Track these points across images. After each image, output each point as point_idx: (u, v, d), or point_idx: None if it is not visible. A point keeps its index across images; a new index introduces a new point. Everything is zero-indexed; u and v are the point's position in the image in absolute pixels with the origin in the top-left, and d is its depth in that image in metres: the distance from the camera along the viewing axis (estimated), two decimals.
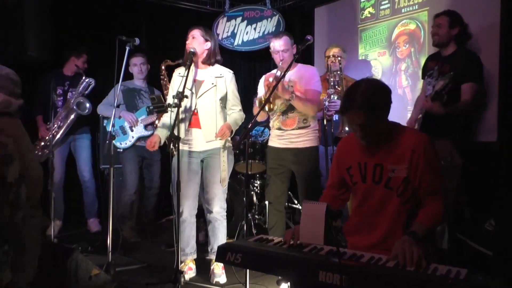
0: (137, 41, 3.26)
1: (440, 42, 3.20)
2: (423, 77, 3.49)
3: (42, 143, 4.19)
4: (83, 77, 4.27)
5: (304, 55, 4.05)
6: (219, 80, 3.15)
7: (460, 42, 3.20)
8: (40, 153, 4.16)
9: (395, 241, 1.78)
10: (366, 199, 2.02)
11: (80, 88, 4.25)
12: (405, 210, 1.94)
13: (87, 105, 4.22)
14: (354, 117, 1.88)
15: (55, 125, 4.20)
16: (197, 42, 3.11)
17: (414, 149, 1.88)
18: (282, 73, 2.91)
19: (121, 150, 4.15)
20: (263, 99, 3.01)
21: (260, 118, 3.07)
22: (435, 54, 3.41)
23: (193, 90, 3.13)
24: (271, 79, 3.04)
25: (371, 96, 1.85)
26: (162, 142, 3.19)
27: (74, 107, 4.18)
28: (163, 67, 3.89)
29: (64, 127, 4.24)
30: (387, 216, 1.95)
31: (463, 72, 2.99)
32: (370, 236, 1.99)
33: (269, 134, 3.48)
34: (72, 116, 4.24)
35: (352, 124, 1.92)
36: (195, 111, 3.13)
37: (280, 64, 3.13)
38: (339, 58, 3.79)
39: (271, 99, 2.94)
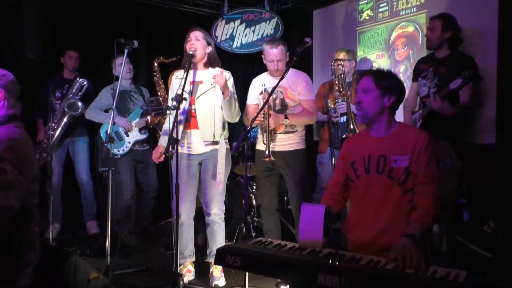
0: (136, 43, 3.25)
1: (433, 45, 3.27)
2: (415, 79, 3.50)
3: (41, 147, 4.18)
4: (77, 79, 4.25)
5: (303, 58, 4.06)
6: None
7: (453, 46, 3.25)
8: (38, 157, 4.15)
9: (396, 233, 1.82)
10: (368, 190, 2.07)
11: (74, 90, 4.21)
12: (406, 201, 1.99)
13: (79, 104, 4.16)
14: (363, 82, 2.08)
15: (51, 129, 4.18)
16: (201, 44, 3.10)
17: (418, 141, 1.98)
18: (270, 99, 3.05)
19: (119, 156, 4.09)
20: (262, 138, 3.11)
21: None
22: (428, 57, 3.45)
23: (191, 92, 3.13)
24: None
25: (385, 73, 2.11)
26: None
27: (66, 109, 4.16)
28: (155, 64, 3.88)
29: (59, 129, 4.22)
30: (389, 206, 2.00)
31: (459, 74, 3.00)
32: (372, 229, 2.02)
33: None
34: (66, 119, 4.22)
35: (358, 89, 2.11)
36: (193, 112, 3.13)
37: (276, 69, 3.18)
38: (341, 63, 3.82)
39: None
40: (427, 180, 1.94)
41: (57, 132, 4.21)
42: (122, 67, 3.34)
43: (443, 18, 3.23)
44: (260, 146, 3.32)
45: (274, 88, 2.79)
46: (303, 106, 3.21)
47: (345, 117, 3.66)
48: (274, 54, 3.16)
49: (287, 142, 3.23)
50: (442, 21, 3.20)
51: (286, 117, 3.10)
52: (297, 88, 3.20)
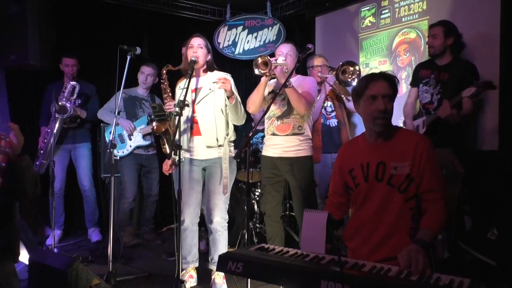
0: (138, 50, 3.27)
1: (436, 52, 3.25)
2: (414, 85, 3.50)
3: (40, 153, 4.18)
4: (70, 83, 4.24)
5: (305, 64, 4.07)
6: (216, 85, 3.14)
7: (455, 52, 3.24)
8: (38, 163, 4.15)
9: (397, 241, 1.80)
10: (368, 199, 2.02)
11: (65, 94, 4.20)
12: (408, 209, 1.94)
13: (68, 106, 4.14)
14: (381, 86, 1.96)
15: (48, 135, 4.18)
16: (203, 53, 3.11)
17: (417, 146, 1.93)
18: (287, 69, 3.01)
19: (118, 158, 4.15)
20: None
21: (254, 107, 3.17)
22: (428, 62, 3.44)
23: (192, 99, 3.13)
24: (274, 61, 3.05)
25: (393, 78, 2.02)
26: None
27: (57, 115, 4.14)
28: (164, 72, 3.92)
29: (53, 134, 4.21)
30: (389, 215, 1.95)
31: (462, 81, 3.04)
32: (371, 238, 1.98)
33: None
34: (57, 124, 4.21)
35: (377, 95, 1.95)
36: (195, 118, 3.13)
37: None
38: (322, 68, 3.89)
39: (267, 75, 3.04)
40: (433, 186, 1.91)
41: (52, 138, 4.20)
42: (124, 73, 3.34)
43: (444, 24, 3.23)
44: (266, 152, 3.31)
45: (290, 74, 2.86)
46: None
47: (336, 121, 3.75)
48: (285, 48, 3.20)
49: (295, 148, 3.18)
50: (443, 28, 3.19)
51: (290, 83, 3.02)
52: (303, 88, 3.20)
